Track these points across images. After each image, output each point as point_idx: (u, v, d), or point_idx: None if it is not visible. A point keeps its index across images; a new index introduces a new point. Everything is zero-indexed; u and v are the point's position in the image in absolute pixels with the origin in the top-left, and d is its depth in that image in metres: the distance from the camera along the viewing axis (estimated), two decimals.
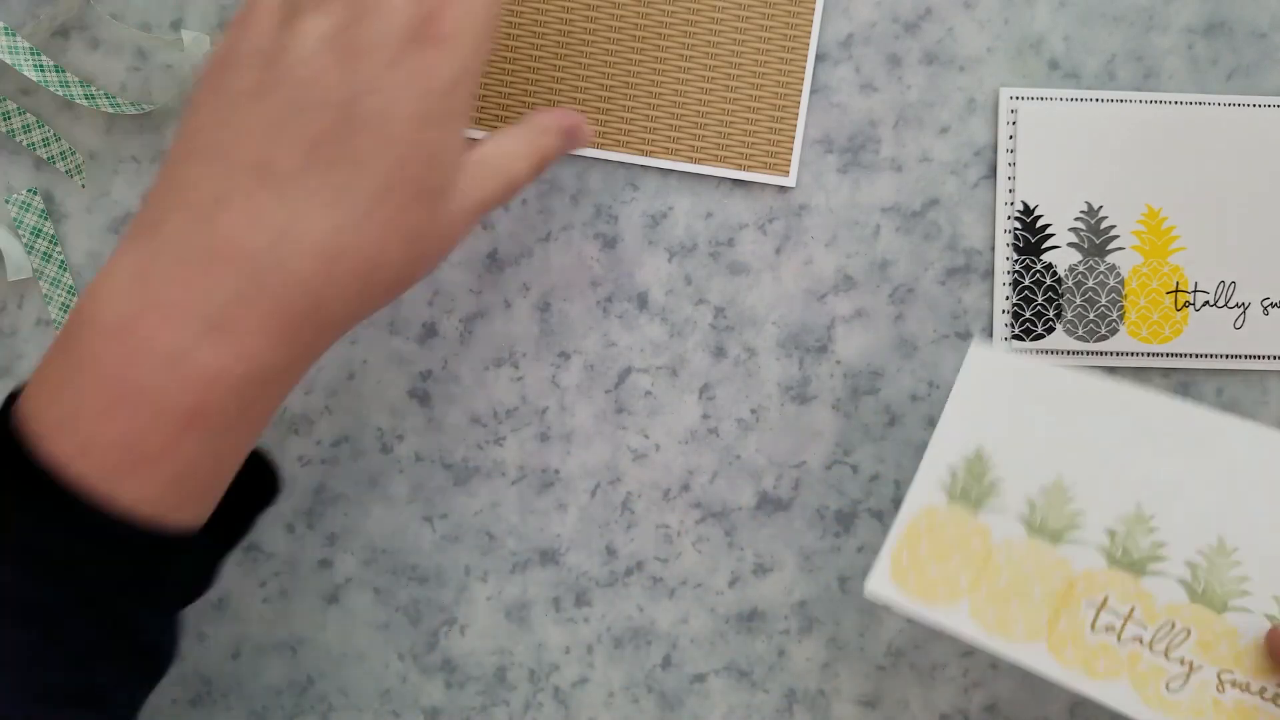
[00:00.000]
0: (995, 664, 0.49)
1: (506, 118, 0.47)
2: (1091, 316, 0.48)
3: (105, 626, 0.33)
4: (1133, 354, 0.48)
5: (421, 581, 0.48)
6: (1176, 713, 0.35)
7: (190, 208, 0.33)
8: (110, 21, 0.47)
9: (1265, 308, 0.48)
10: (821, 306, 0.48)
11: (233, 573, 0.48)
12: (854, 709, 0.49)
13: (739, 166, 0.47)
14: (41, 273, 0.47)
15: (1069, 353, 0.48)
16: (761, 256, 0.48)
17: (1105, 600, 0.37)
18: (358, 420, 0.48)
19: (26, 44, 0.45)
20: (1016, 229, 0.48)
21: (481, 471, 0.48)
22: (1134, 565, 0.37)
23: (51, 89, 0.46)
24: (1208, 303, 0.48)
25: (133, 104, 0.47)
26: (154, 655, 0.36)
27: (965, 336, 0.48)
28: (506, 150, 0.38)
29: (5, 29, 0.45)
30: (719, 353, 0.48)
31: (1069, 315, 0.48)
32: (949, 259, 0.48)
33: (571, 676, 0.48)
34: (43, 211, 0.47)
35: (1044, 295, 0.48)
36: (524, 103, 0.47)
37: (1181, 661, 0.36)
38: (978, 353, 0.40)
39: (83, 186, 0.48)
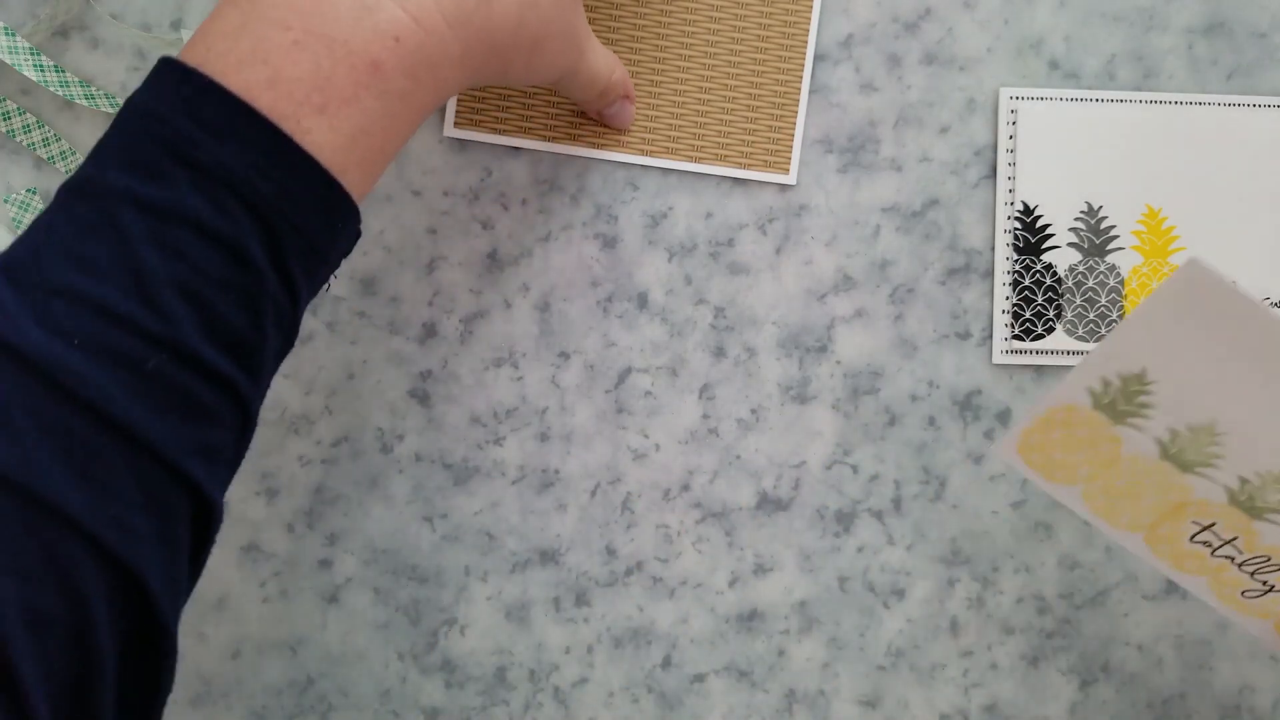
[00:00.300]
0: (995, 664, 0.49)
1: (505, 121, 0.47)
2: (1091, 316, 0.48)
3: (271, 276, 0.32)
4: None
5: (421, 581, 0.48)
6: (1246, 611, 0.39)
7: None
8: (110, 21, 0.47)
9: None
10: (821, 306, 0.48)
11: (233, 573, 0.48)
12: (854, 709, 0.49)
13: (739, 165, 0.47)
14: None
15: (1069, 353, 0.48)
16: (761, 256, 0.48)
17: (1212, 525, 0.38)
18: (358, 420, 0.48)
19: (26, 44, 0.45)
20: (1016, 229, 0.48)
21: (481, 471, 0.48)
22: (1254, 510, 0.38)
23: (51, 89, 0.46)
24: None
25: None
26: (289, 334, 0.34)
27: (965, 336, 0.48)
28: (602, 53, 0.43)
29: (5, 29, 0.45)
30: (719, 353, 0.48)
31: (1069, 315, 0.48)
32: (949, 259, 0.48)
33: (571, 676, 0.48)
34: (42, 211, 0.47)
35: (1044, 295, 0.48)
36: (523, 105, 0.47)
37: (1264, 583, 0.38)
38: (1195, 267, 0.36)
39: None
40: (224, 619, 0.48)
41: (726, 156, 0.46)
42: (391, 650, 0.48)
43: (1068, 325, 0.48)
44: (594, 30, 0.45)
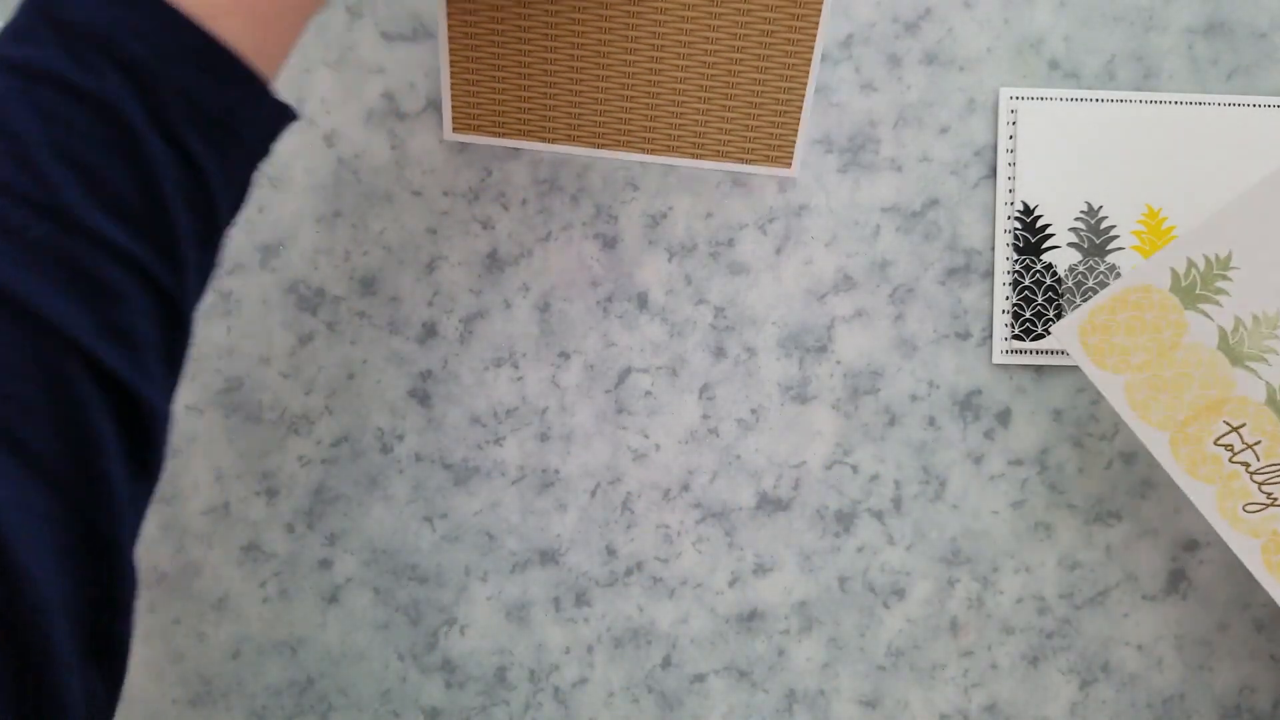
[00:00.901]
0: (995, 664, 0.49)
1: (503, 117, 0.47)
2: None
3: (154, 140, 0.30)
4: None
5: (421, 581, 0.48)
6: (1238, 527, 0.41)
7: None
8: None
9: None
10: (821, 306, 0.48)
11: (233, 573, 0.48)
12: (854, 709, 0.49)
13: (741, 160, 0.46)
14: None
15: (1069, 353, 0.48)
16: (761, 256, 0.48)
17: (1242, 425, 0.41)
18: (358, 420, 0.48)
19: None
20: (1016, 229, 0.48)
21: (481, 471, 0.48)
22: None
23: None
24: None
25: None
26: (210, 216, 0.32)
27: (965, 337, 0.48)
28: None
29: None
30: (719, 353, 0.48)
31: (1069, 315, 0.48)
32: (949, 259, 0.48)
33: (571, 676, 0.48)
34: None
35: (1044, 295, 0.48)
36: (519, 104, 0.47)
37: (1269, 496, 0.41)
38: None
39: None
40: (224, 619, 0.48)
41: (728, 152, 0.46)
42: (391, 650, 0.48)
43: None
44: (584, 23, 0.44)
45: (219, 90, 0.31)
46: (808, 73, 0.45)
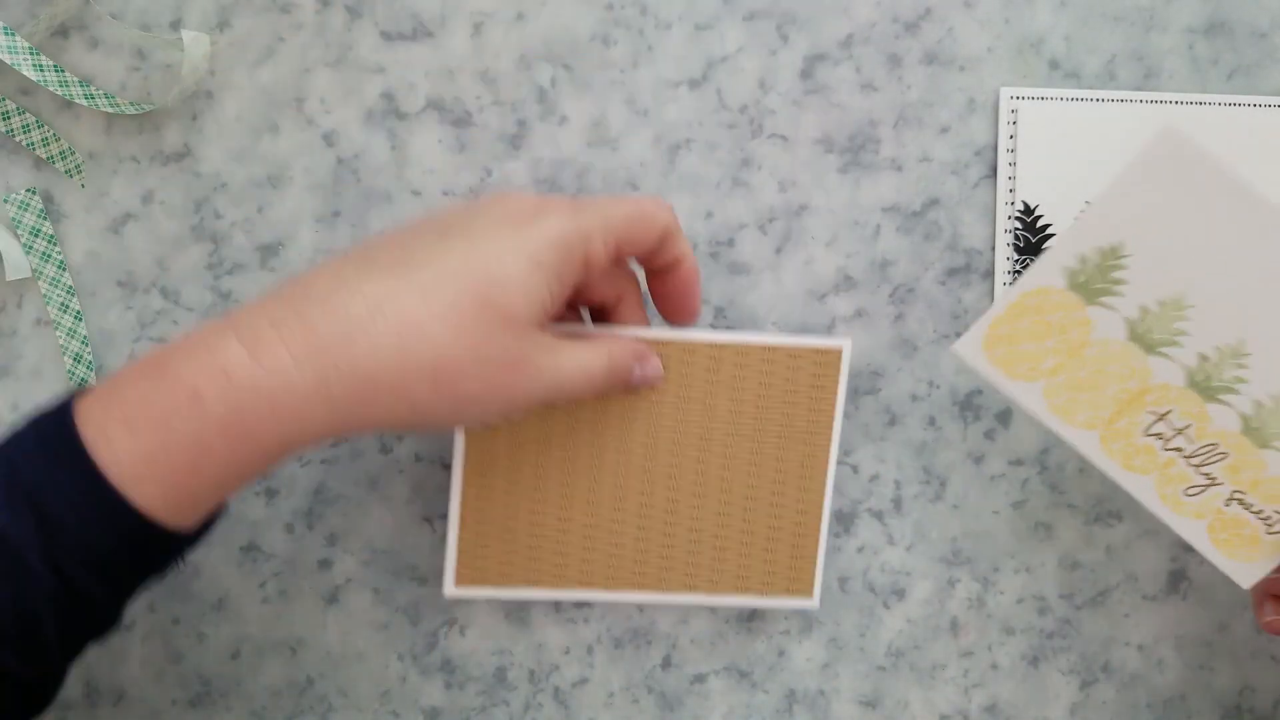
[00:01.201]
0: (995, 664, 0.49)
1: (511, 567, 0.45)
2: None
3: (41, 571, 0.34)
4: None
5: (421, 582, 0.48)
6: (1183, 512, 0.41)
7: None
8: (110, 21, 0.47)
9: None
10: (821, 306, 0.48)
11: (233, 573, 0.48)
12: (854, 709, 0.49)
13: (760, 594, 0.46)
14: (40, 272, 0.47)
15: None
16: (761, 256, 0.48)
17: (1168, 413, 0.40)
18: None
19: (26, 44, 0.45)
20: (1017, 229, 0.48)
21: None
22: (1208, 390, 0.40)
23: (51, 89, 0.46)
24: None
25: (132, 104, 0.47)
26: (84, 626, 0.36)
27: None
28: (585, 355, 0.40)
29: (5, 29, 0.45)
30: None
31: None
32: (949, 259, 0.48)
33: (571, 676, 0.48)
34: (41, 211, 0.47)
35: None
36: (529, 552, 0.44)
37: (1208, 476, 0.40)
38: (1170, 135, 0.38)
39: (82, 186, 0.48)
40: (224, 619, 0.48)
41: (747, 586, 0.45)
42: (391, 650, 0.48)
43: None
44: (601, 470, 0.43)
45: (115, 538, 0.34)
46: (821, 504, 0.45)
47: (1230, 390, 0.40)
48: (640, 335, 0.42)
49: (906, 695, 0.49)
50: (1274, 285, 0.39)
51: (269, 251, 0.48)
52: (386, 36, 0.48)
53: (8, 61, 0.45)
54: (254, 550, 0.48)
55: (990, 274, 0.48)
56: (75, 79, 0.46)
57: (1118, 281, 0.39)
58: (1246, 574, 0.41)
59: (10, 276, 0.47)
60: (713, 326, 0.48)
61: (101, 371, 0.48)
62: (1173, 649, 0.49)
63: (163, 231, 0.48)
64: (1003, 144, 0.48)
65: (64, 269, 0.48)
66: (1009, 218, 0.48)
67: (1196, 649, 0.49)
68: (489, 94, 0.48)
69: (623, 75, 0.48)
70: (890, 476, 0.49)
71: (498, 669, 0.48)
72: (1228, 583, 0.49)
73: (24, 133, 0.47)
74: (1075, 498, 0.49)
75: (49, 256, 0.47)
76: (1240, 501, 0.40)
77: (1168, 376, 0.40)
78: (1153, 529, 0.49)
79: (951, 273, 0.48)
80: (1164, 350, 0.40)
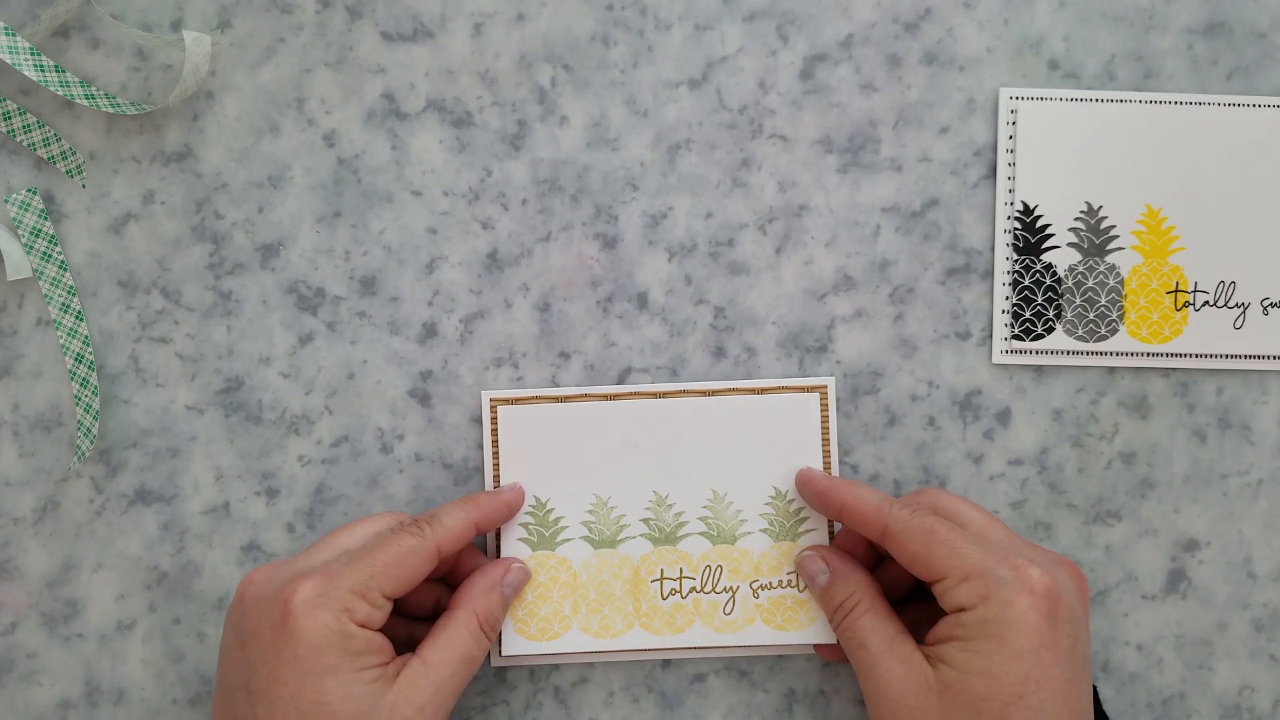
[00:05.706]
0: None
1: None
2: (1091, 316, 0.48)
3: None
4: (1132, 354, 0.48)
5: None
6: (734, 630, 0.47)
7: None
8: (110, 21, 0.47)
9: (1265, 308, 0.48)
10: (821, 306, 0.48)
11: (233, 573, 0.48)
12: (854, 709, 0.49)
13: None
14: (41, 272, 0.47)
15: (1069, 352, 0.48)
16: (761, 256, 0.48)
17: (661, 573, 0.47)
18: (358, 420, 0.48)
19: (26, 44, 0.45)
20: (1016, 229, 0.48)
21: (482, 471, 0.48)
22: (670, 537, 0.47)
23: (51, 89, 0.46)
24: (1207, 303, 0.48)
25: (133, 104, 0.47)
26: None
27: (965, 336, 0.48)
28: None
29: (5, 29, 0.45)
30: (719, 353, 0.48)
31: (1069, 315, 0.48)
32: (949, 259, 0.48)
33: (571, 676, 0.48)
34: (42, 211, 0.47)
35: (1044, 295, 0.48)
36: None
37: (725, 589, 0.47)
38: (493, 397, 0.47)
39: (83, 186, 0.48)
40: (224, 619, 0.48)
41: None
42: None
43: (1067, 325, 0.48)
44: None
45: None
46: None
47: (681, 524, 0.47)
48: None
49: None
50: (635, 453, 0.47)
51: (269, 251, 0.48)
52: (387, 37, 0.48)
53: (9, 61, 0.45)
54: (254, 550, 0.48)
55: (990, 274, 0.48)
56: (76, 79, 0.46)
57: (557, 519, 0.47)
58: (819, 632, 0.46)
59: (11, 276, 0.47)
60: (712, 326, 0.48)
61: (102, 371, 0.48)
62: (1172, 649, 0.49)
63: (163, 231, 0.48)
64: (1002, 144, 0.48)
65: (65, 269, 0.48)
66: (1008, 218, 0.48)
67: (1196, 648, 0.49)
68: (489, 94, 0.48)
69: (623, 75, 0.48)
70: (890, 476, 0.49)
71: (498, 669, 0.48)
72: (1228, 582, 0.49)
73: (25, 133, 0.47)
74: (1075, 498, 0.49)
75: (50, 256, 0.47)
76: (763, 587, 0.46)
77: (640, 550, 0.47)
78: (1152, 529, 0.49)
79: (951, 273, 0.48)
80: (622, 536, 0.47)
